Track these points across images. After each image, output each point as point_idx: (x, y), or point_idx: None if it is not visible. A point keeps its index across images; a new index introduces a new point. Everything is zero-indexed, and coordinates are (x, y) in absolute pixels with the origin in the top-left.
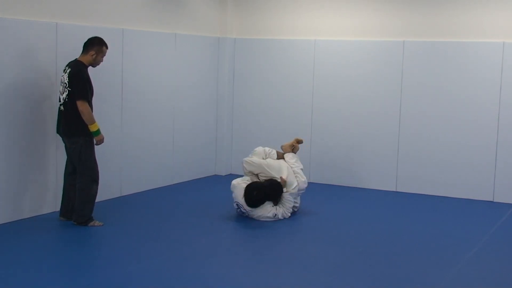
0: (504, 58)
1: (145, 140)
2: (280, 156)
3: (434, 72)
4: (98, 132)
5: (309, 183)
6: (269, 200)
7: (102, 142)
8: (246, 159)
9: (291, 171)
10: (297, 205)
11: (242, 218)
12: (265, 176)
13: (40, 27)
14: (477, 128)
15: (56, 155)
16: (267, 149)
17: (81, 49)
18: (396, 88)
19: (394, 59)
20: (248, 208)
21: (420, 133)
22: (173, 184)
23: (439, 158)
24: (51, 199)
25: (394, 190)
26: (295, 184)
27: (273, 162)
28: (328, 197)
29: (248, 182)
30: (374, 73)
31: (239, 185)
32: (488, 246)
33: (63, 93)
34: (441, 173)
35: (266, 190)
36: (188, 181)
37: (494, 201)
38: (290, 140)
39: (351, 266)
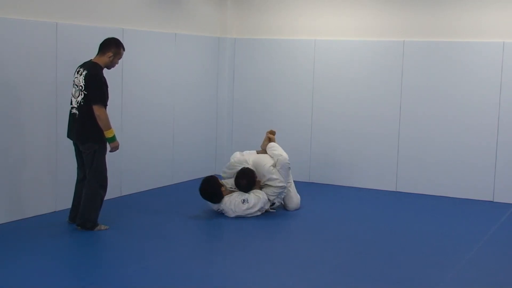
0: (504, 58)
1: (145, 140)
2: (262, 152)
3: (434, 72)
4: (114, 138)
5: (309, 183)
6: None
7: (117, 149)
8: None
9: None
10: (276, 202)
11: (241, 218)
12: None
13: (40, 27)
14: (477, 128)
15: (56, 155)
16: (245, 153)
17: (81, 49)
18: (396, 88)
19: (394, 59)
20: (211, 204)
21: (420, 132)
22: (173, 184)
23: (439, 158)
24: (50, 199)
25: (394, 190)
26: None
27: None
28: (328, 197)
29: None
30: (374, 73)
31: None
32: (488, 246)
33: (78, 96)
34: (441, 173)
35: (215, 181)
36: (188, 180)
37: (494, 201)
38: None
39: (351, 266)
